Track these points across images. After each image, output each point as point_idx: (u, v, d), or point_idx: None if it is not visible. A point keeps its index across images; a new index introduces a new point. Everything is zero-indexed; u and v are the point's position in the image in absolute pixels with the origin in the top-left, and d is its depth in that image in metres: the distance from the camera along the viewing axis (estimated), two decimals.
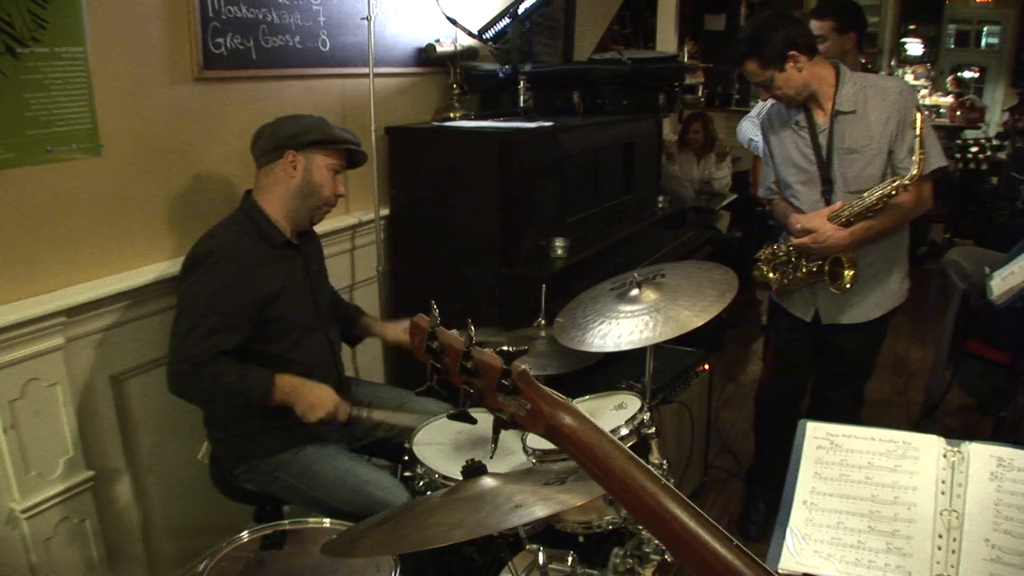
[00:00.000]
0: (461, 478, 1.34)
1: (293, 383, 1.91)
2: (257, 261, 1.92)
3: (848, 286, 2.31)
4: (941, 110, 8.99)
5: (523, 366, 0.84)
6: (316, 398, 1.91)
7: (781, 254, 2.51)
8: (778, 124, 2.46)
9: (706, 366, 2.89)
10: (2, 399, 1.73)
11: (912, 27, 8.47)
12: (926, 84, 9.73)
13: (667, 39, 5.31)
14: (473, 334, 0.85)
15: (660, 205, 3.68)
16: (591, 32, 4.48)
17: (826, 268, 2.37)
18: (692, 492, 2.95)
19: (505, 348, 0.83)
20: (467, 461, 1.32)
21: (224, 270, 1.85)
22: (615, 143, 3.37)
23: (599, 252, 2.93)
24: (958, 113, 8.57)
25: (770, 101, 2.58)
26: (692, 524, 0.77)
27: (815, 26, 2.76)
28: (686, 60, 6.15)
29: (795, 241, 2.37)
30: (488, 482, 1.26)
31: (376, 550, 1.28)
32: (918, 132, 2.14)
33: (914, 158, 2.17)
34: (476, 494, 1.22)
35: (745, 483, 3.01)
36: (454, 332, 0.89)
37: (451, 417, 1.88)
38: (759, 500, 2.84)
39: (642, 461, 0.80)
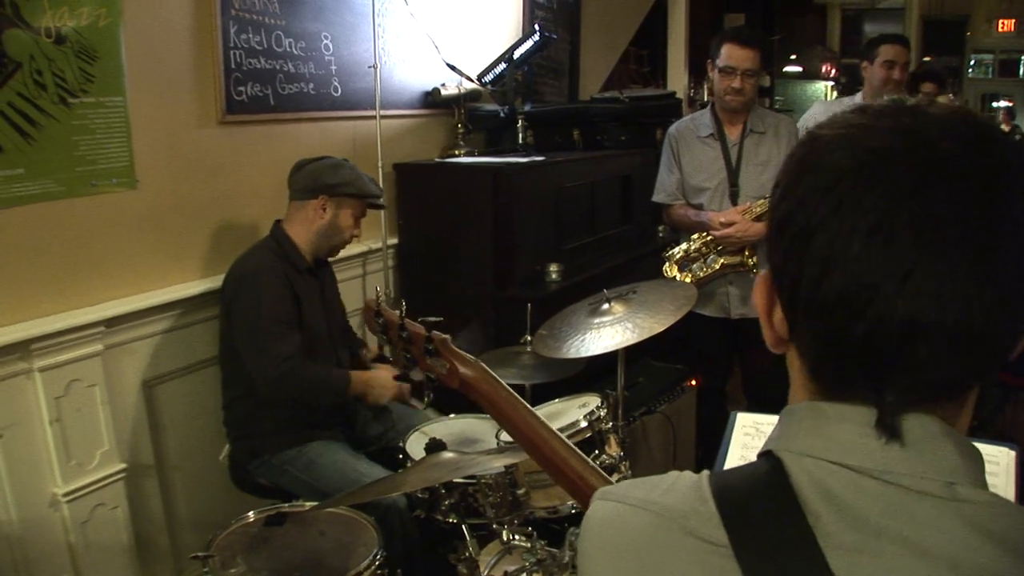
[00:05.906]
0: None
1: (362, 376, 2.29)
2: (288, 279, 2.22)
3: (755, 270, 2.76)
4: None
5: (444, 336, 1.07)
6: (381, 386, 2.28)
7: (693, 252, 2.83)
8: (690, 138, 2.87)
9: (693, 382, 3.07)
10: (49, 396, 1.99)
11: (926, 59, 8.55)
12: None
13: (677, 76, 5.56)
14: (404, 310, 1.09)
15: (660, 234, 3.89)
16: (598, 71, 4.74)
17: (747, 254, 2.75)
18: None
19: (428, 319, 1.06)
20: (430, 440, 1.54)
21: (270, 283, 2.16)
22: (613, 175, 3.59)
23: (593, 276, 3.14)
24: None
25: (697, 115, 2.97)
26: (562, 451, 0.99)
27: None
28: (706, 96, 6.36)
29: (718, 234, 2.73)
30: (445, 455, 1.49)
31: (347, 500, 1.69)
32: None
33: None
34: (432, 464, 1.45)
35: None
36: (396, 312, 1.13)
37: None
38: None
39: (529, 407, 1.02)
